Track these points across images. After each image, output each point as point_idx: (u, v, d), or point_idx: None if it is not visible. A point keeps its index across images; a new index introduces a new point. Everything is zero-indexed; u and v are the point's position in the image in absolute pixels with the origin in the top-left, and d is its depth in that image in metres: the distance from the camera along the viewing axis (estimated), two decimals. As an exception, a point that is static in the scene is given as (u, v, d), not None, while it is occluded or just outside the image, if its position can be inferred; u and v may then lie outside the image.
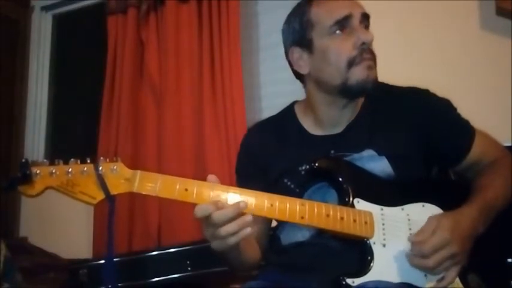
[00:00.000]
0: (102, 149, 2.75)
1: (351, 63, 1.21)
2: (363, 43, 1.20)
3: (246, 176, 1.36)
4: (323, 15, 1.23)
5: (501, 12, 2.01)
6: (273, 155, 1.31)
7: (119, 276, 2.12)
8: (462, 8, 2.11)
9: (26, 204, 3.23)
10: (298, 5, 1.29)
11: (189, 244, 2.13)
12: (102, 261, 2.21)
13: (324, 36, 1.23)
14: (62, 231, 2.98)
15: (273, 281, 1.23)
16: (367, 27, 1.24)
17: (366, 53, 1.21)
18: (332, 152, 1.26)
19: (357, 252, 1.14)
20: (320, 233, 1.20)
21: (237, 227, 1.02)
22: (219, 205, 1.03)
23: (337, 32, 1.22)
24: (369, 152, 1.23)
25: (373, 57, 1.22)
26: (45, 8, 3.45)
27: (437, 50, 2.15)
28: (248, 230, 1.03)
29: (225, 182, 2.55)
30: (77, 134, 3.31)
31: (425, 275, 1.11)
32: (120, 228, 2.58)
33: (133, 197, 2.64)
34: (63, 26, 3.47)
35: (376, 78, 1.23)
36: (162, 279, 2.08)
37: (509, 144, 1.52)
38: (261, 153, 1.33)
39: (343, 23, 1.21)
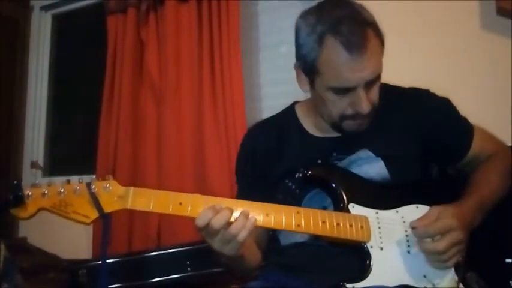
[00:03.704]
0: (102, 148, 2.75)
1: (343, 118, 1.21)
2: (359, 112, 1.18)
3: (246, 177, 1.36)
4: (329, 73, 1.15)
5: (502, 12, 2.00)
6: (273, 156, 1.31)
7: (118, 277, 2.12)
8: (463, 8, 2.11)
9: (26, 205, 3.23)
10: (318, 20, 1.16)
11: (188, 244, 2.13)
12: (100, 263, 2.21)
13: (325, 88, 1.18)
14: (61, 231, 2.97)
15: (273, 281, 1.24)
16: (371, 86, 1.16)
17: (360, 117, 1.19)
18: (334, 154, 1.25)
19: (355, 255, 1.14)
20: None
21: (242, 220, 1.03)
22: (216, 208, 1.04)
23: (337, 94, 1.18)
24: (365, 153, 1.23)
25: (368, 116, 1.19)
26: (45, 8, 3.45)
27: (437, 50, 2.14)
28: (253, 219, 1.04)
29: (225, 181, 2.55)
30: (76, 134, 3.31)
31: (425, 276, 1.11)
32: (120, 229, 2.58)
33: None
34: (63, 26, 3.47)
35: (366, 126, 1.21)
36: (162, 280, 2.09)
37: (510, 145, 1.52)
38: (261, 154, 1.33)
39: (345, 91, 1.16)
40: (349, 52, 1.10)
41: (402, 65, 2.17)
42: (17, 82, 3.29)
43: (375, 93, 1.19)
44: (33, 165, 3.31)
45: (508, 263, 1.24)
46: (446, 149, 1.28)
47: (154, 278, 2.10)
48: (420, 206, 1.18)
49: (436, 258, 1.10)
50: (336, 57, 1.12)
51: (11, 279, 2.48)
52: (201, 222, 1.03)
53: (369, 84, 1.16)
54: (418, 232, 1.10)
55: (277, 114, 1.41)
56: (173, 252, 2.12)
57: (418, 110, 1.27)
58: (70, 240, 2.90)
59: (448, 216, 1.10)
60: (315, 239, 1.21)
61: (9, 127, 3.23)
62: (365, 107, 1.16)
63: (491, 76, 2.04)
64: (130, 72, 2.74)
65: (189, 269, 2.07)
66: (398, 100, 1.29)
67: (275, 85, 2.60)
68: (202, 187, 2.40)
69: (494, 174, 1.24)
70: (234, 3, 2.51)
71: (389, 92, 1.31)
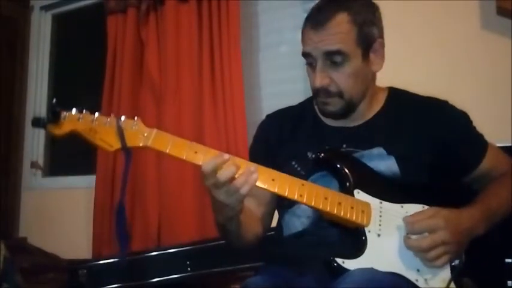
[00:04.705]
0: (102, 149, 2.75)
1: (314, 94, 1.31)
2: (315, 88, 1.26)
3: (256, 159, 1.38)
4: (301, 39, 1.28)
5: (502, 12, 2.00)
6: (284, 140, 1.36)
7: (118, 277, 2.12)
8: (463, 8, 2.11)
9: (26, 205, 3.23)
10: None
11: (189, 244, 2.13)
12: (102, 262, 2.22)
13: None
14: (61, 231, 2.98)
15: (273, 273, 1.23)
16: (334, 63, 1.23)
17: (319, 95, 1.27)
18: (344, 146, 1.28)
19: (352, 242, 1.16)
20: (318, 222, 1.23)
21: (245, 177, 1.08)
22: (225, 157, 1.08)
23: (307, 62, 1.28)
24: (378, 150, 1.25)
25: (328, 95, 1.25)
26: (45, 8, 3.45)
27: (437, 50, 2.14)
28: (255, 175, 1.08)
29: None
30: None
31: (418, 270, 1.12)
32: (120, 229, 2.58)
33: (133, 197, 2.64)
34: (63, 26, 3.47)
35: (336, 110, 1.27)
36: (162, 280, 2.09)
37: (509, 144, 1.52)
38: (273, 137, 1.38)
39: (307, 58, 1.27)
40: (312, 19, 1.24)
41: (402, 65, 2.17)
42: (17, 82, 3.29)
43: (340, 76, 1.23)
44: (33, 165, 3.31)
45: (507, 262, 1.24)
46: (455, 161, 1.29)
47: (154, 278, 2.10)
48: (426, 207, 1.18)
49: (421, 256, 1.12)
50: (304, 23, 1.27)
51: (11, 279, 2.48)
52: (207, 167, 1.07)
53: (332, 62, 1.22)
54: (406, 227, 1.13)
55: (297, 104, 1.46)
56: (173, 252, 2.12)
57: (435, 119, 1.29)
58: (70, 240, 2.91)
59: (439, 217, 1.11)
60: (314, 226, 1.24)
61: (9, 127, 3.23)
62: (316, 81, 1.24)
63: (491, 76, 2.04)
64: (130, 72, 2.74)
65: (189, 269, 2.07)
66: (417, 107, 1.32)
67: (275, 85, 2.60)
68: (203, 186, 2.40)
69: (504, 190, 1.26)
70: (234, 3, 2.51)
71: (408, 97, 1.35)
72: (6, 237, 2.82)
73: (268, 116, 1.49)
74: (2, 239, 2.64)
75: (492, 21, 2.05)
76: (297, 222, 1.28)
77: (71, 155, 3.19)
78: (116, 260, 2.19)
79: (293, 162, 1.30)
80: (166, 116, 2.60)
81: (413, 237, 1.12)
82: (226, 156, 1.09)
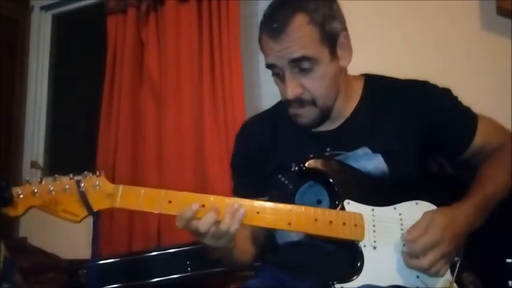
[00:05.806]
0: (102, 148, 2.75)
1: (286, 105, 1.23)
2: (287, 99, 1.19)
3: (240, 169, 1.35)
4: (262, 51, 1.21)
5: (501, 12, 2.00)
6: (267, 149, 1.30)
7: (118, 277, 2.12)
8: (463, 8, 2.11)
9: (26, 205, 3.22)
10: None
11: (189, 244, 2.13)
12: (101, 262, 2.21)
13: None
14: (61, 231, 2.97)
15: (271, 277, 1.23)
16: (303, 70, 1.16)
17: (291, 106, 1.20)
18: (328, 149, 1.23)
19: (348, 255, 1.13)
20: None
21: (230, 216, 1.04)
22: (194, 207, 1.04)
23: (273, 73, 1.22)
24: (363, 150, 1.21)
25: (301, 105, 1.19)
26: (45, 8, 3.45)
27: (437, 50, 2.14)
28: (242, 211, 1.05)
29: (225, 181, 2.55)
30: (76, 134, 3.31)
31: (418, 276, 1.10)
32: (120, 229, 2.58)
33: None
34: (63, 26, 3.47)
35: (309, 121, 1.22)
36: (162, 280, 2.09)
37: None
38: (255, 147, 1.32)
39: (272, 69, 1.20)
40: (268, 26, 1.16)
41: (402, 65, 2.17)
42: (17, 82, 3.29)
43: (311, 81, 1.17)
44: (33, 165, 3.31)
45: (508, 263, 1.23)
46: (447, 142, 1.25)
47: (154, 278, 2.10)
48: (420, 202, 1.16)
49: (424, 272, 1.09)
50: (260, 32, 1.19)
51: (11, 279, 2.48)
52: (180, 224, 1.05)
53: (300, 69, 1.16)
54: (406, 249, 1.10)
55: (273, 107, 1.39)
56: (173, 252, 2.12)
57: (417, 102, 1.24)
58: (70, 240, 2.90)
59: (435, 227, 1.08)
60: (310, 237, 1.20)
61: (9, 127, 3.23)
62: (288, 92, 1.17)
63: (491, 76, 2.04)
64: (130, 72, 2.74)
65: (189, 269, 2.07)
66: (397, 93, 1.26)
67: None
68: (203, 187, 2.40)
69: (500, 168, 1.21)
70: (234, 3, 2.51)
71: (386, 84, 1.29)
72: (6, 237, 2.82)
73: (244, 126, 1.41)
74: (2, 239, 2.64)
75: (492, 21, 2.05)
76: (293, 233, 1.23)
77: (71, 155, 3.20)
78: (115, 260, 2.19)
79: (279, 176, 1.24)
80: (166, 116, 2.60)
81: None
82: (195, 206, 1.03)
